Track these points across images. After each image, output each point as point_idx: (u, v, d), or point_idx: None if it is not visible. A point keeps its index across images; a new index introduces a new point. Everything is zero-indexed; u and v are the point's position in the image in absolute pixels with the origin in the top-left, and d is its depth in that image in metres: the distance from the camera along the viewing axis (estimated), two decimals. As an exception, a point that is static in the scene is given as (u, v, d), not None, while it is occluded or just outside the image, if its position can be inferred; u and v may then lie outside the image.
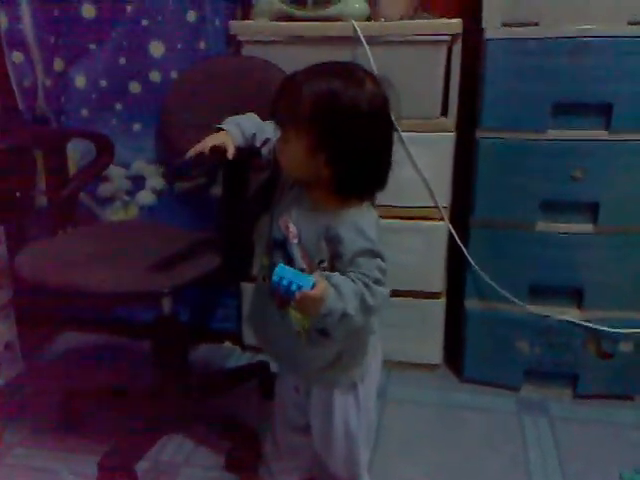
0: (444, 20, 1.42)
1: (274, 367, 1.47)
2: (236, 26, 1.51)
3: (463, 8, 1.53)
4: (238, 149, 1.01)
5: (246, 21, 1.55)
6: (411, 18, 1.45)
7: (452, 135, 1.47)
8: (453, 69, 1.45)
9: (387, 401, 1.49)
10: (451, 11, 1.51)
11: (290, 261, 0.93)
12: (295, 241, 0.93)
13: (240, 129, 1.03)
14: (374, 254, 0.90)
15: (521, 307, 1.46)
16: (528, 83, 1.36)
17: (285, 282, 0.81)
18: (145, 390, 1.39)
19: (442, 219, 1.50)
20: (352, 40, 1.40)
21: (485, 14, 1.37)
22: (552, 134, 1.38)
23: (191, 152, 1.00)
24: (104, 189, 1.66)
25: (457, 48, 1.43)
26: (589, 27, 1.31)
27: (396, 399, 1.49)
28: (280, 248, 0.96)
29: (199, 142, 1.01)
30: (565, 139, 1.38)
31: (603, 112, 1.35)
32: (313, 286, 0.82)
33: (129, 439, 1.27)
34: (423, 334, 1.58)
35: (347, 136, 0.87)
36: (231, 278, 1.44)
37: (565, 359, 1.48)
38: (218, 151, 0.99)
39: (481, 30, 1.39)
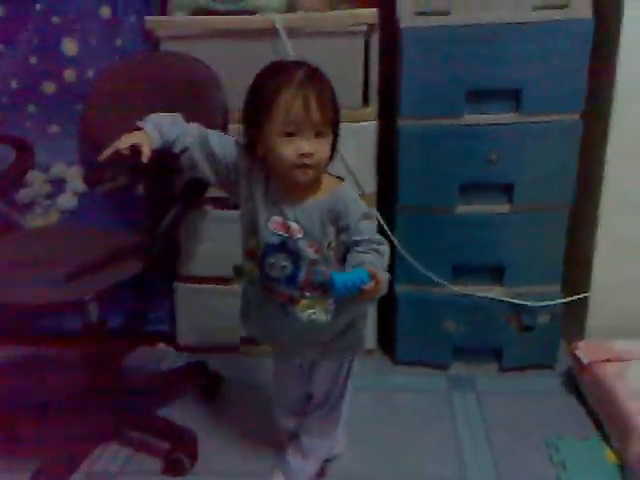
0: (360, 10, 1.42)
1: (213, 366, 1.49)
2: (153, 22, 1.47)
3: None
4: (154, 152, 1.00)
5: (163, 16, 1.52)
6: (330, 9, 1.47)
7: (374, 124, 1.49)
8: (372, 59, 1.46)
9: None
10: (369, 2, 1.51)
11: (296, 257, 0.98)
12: (300, 236, 0.98)
13: (160, 131, 1.02)
14: (369, 216, 1.01)
15: (446, 288, 1.51)
16: (443, 71, 1.39)
17: (349, 284, 0.87)
18: (77, 400, 1.36)
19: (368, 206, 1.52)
20: (272, 33, 1.39)
21: (399, 4, 1.40)
22: (468, 119, 1.42)
23: (106, 153, 1.00)
24: (23, 195, 1.60)
25: (375, 38, 1.44)
26: (497, 14, 1.35)
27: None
28: (279, 250, 0.99)
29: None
30: (480, 124, 1.42)
31: (513, 96, 1.40)
32: (369, 274, 0.88)
33: (61, 452, 1.24)
34: (356, 321, 1.61)
35: (338, 119, 1.00)
36: (157, 280, 1.42)
37: (490, 335, 1.54)
38: (133, 151, 0.98)
39: (396, 20, 1.42)
